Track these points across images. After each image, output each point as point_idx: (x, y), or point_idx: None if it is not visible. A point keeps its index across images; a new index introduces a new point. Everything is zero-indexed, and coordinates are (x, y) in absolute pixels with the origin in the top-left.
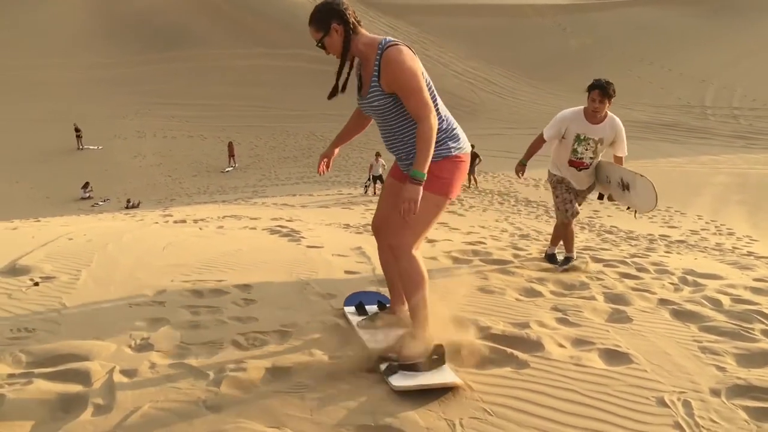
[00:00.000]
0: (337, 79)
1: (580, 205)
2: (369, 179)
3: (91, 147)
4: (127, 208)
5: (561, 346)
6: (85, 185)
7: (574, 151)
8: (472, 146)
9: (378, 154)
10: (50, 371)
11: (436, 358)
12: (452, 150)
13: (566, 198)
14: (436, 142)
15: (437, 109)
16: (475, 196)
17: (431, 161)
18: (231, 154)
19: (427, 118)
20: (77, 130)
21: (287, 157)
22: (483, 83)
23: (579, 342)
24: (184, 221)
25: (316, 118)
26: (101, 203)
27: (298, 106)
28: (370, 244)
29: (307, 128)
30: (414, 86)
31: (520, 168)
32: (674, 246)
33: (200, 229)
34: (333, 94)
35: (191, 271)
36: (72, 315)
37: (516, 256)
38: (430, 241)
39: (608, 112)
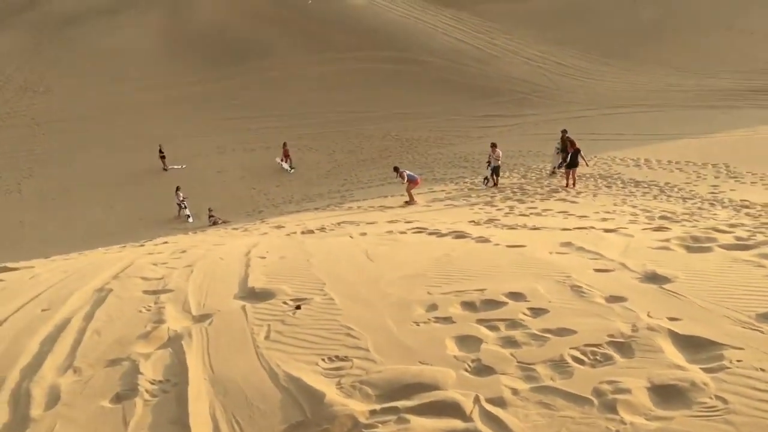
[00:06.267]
0: None
1: None
2: (490, 172)
3: (176, 166)
4: (210, 224)
5: None
6: (177, 189)
7: None
8: (567, 133)
9: (494, 145)
10: (413, 405)
11: None
12: None
13: None
14: None
15: None
16: (580, 181)
17: None
18: (286, 155)
19: None
20: (161, 151)
21: (365, 159)
22: (555, 66)
23: None
24: (312, 231)
25: (390, 118)
26: (190, 219)
27: (370, 108)
28: (579, 239)
29: (382, 129)
30: None
31: None
32: None
33: (351, 237)
34: None
35: (433, 281)
36: (370, 337)
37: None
38: (607, 231)
39: None
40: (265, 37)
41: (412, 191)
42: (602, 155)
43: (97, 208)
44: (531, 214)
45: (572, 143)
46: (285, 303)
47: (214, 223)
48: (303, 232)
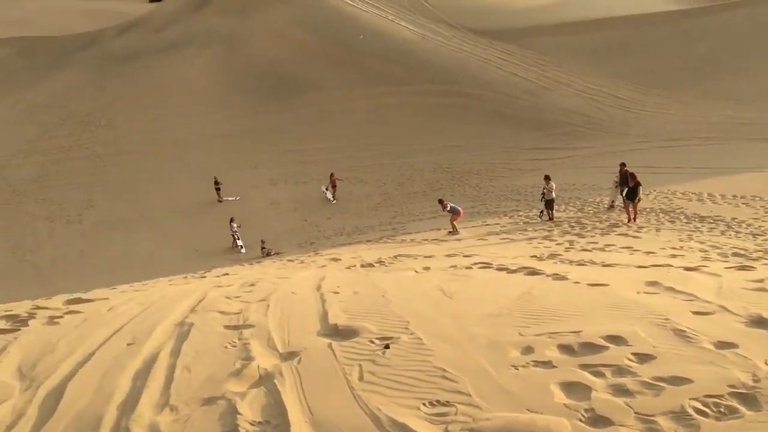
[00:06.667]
0: None
1: None
2: (544, 205)
3: (230, 198)
4: (264, 255)
5: None
6: (231, 220)
7: None
8: (626, 166)
9: (547, 178)
10: None
11: None
12: None
13: None
14: None
15: None
16: (641, 216)
17: None
18: (333, 185)
19: None
20: (217, 183)
21: (416, 192)
22: (608, 98)
23: None
24: (371, 264)
25: (440, 151)
26: (243, 251)
27: (421, 140)
28: (664, 278)
29: (432, 161)
30: None
31: None
32: None
33: (416, 272)
34: None
35: (521, 321)
36: (468, 381)
37: None
38: (689, 269)
39: None
40: (317, 71)
41: (455, 222)
42: (661, 189)
43: (153, 238)
44: (593, 249)
45: (632, 176)
46: (372, 342)
47: (267, 255)
48: (362, 266)
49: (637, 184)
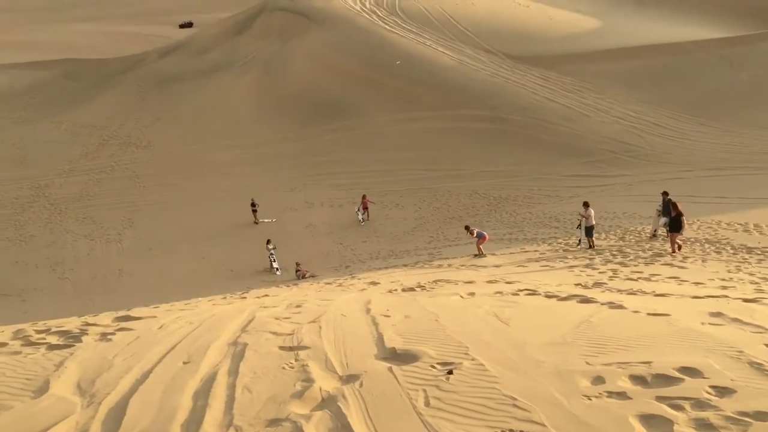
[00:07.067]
0: None
1: None
2: (583, 232)
3: (266, 220)
4: (298, 277)
5: None
6: (268, 242)
7: None
8: (668, 196)
9: (586, 204)
10: None
11: None
12: None
13: None
14: None
15: None
16: (685, 246)
17: None
18: (364, 207)
19: None
20: (254, 204)
21: (452, 217)
22: (649, 126)
23: None
24: (413, 289)
25: (477, 176)
26: (278, 272)
27: (458, 165)
28: (727, 309)
29: (468, 187)
30: None
31: None
32: None
33: (462, 297)
34: None
35: (585, 350)
36: (541, 410)
37: None
38: (747, 300)
39: None
40: (354, 96)
41: (481, 246)
42: (705, 219)
43: (190, 258)
44: (639, 278)
45: (674, 206)
46: (433, 367)
47: (302, 277)
48: (403, 290)
49: (679, 214)
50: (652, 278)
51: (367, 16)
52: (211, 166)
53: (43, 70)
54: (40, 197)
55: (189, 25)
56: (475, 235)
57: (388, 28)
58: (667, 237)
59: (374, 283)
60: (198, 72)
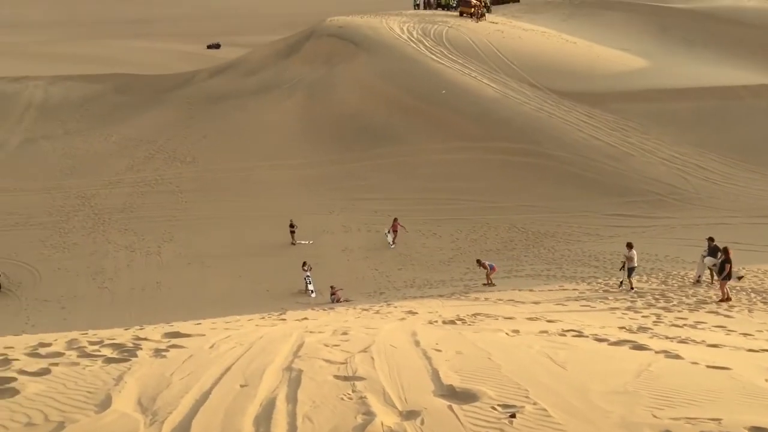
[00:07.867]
0: None
1: None
2: (626, 274)
3: (303, 242)
4: (332, 301)
5: None
6: (304, 264)
7: None
8: (714, 241)
9: (630, 245)
10: None
11: None
12: None
13: None
14: None
15: None
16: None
17: None
18: (394, 230)
19: None
20: (292, 225)
21: (489, 249)
22: (694, 169)
23: None
24: (453, 322)
25: (514, 210)
26: (313, 295)
27: (497, 198)
28: None
29: (506, 220)
30: None
31: None
32: None
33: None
34: None
35: (650, 401)
36: None
37: None
38: None
39: None
40: (397, 123)
41: (491, 276)
42: (751, 267)
43: (227, 275)
44: (684, 325)
45: (725, 252)
46: (494, 408)
47: (336, 301)
48: (444, 322)
49: (726, 261)
50: (698, 326)
51: (414, 46)
52: (252, 184)
53: (96, 83)
54: (85, 206)
55: (217, 46)
56: (487, 266)
57: (435, 58)
58: (712, 283)
59: (412, 312)
60: (245, 92)
